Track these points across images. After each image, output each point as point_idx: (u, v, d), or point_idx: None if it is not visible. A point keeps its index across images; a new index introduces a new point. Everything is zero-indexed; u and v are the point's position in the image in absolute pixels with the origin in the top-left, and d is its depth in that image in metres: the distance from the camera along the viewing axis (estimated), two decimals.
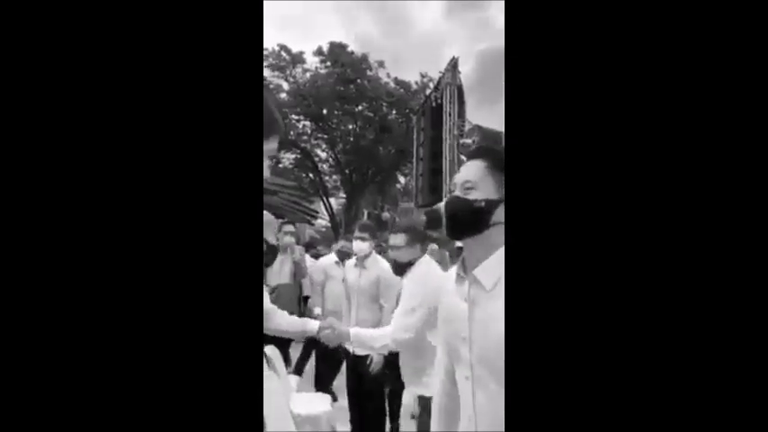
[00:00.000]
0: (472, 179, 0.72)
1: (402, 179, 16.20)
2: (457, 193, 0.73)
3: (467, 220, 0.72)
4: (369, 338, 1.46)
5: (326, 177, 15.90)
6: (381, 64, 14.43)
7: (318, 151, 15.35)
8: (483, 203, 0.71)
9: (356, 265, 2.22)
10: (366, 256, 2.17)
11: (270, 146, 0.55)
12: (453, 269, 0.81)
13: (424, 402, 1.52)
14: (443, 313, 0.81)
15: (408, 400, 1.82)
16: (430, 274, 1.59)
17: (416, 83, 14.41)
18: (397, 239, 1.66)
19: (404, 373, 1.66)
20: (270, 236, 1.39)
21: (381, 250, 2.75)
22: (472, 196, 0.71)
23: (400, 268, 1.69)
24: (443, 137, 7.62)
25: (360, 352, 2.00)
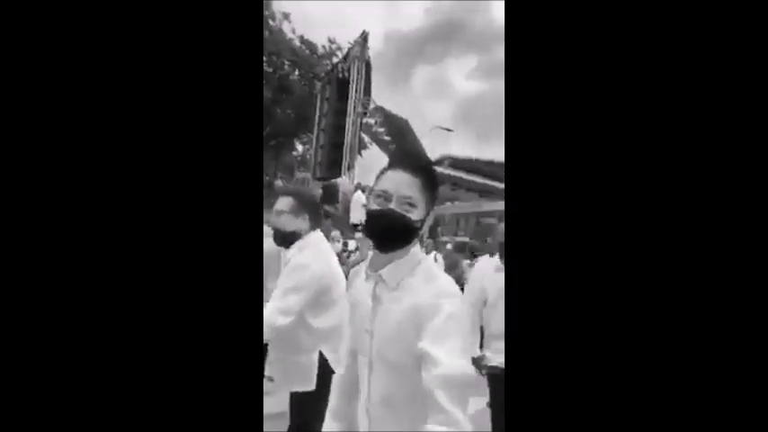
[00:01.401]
0: (413, 197, 0.71)
1: (300, 147, 15.48)
2: (393, 207, 0.71)
3: (401, 237, 0.72)
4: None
5: None
6: (287, 17, 13.14)
7: None
8: (419, 223, 0.73)
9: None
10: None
11: None
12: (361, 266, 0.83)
13: (300, 397, 1.36)
14: (353, 302, 0.83)
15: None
16: (321, 252, 1.41)
17: (324, 47, 13.68)
18: (282, 203, 1.42)
19: (275, 370, 1.40)
20: None
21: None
22: (414, 216, 0.71)
23: (283, 238, 1.44)
24: (348, 111, 7.54)
25: None
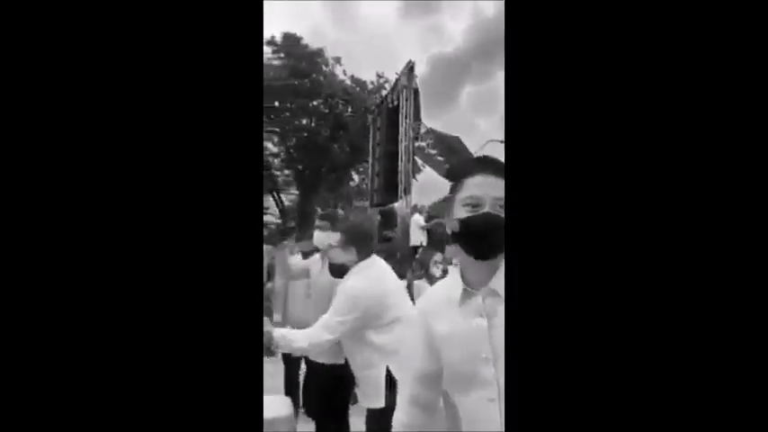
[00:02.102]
0: (501, 197, 0.68)
1: (356, 177, 16.18)
2: (488, 210, 0.69)
3: (500, 239, 0.67)
4: (290, 338, 1.38)
5: (277, 173, 15.32)
6: (338, 60, 14.26)
7: (270, 145, 14.74)
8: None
9: (321, 257, 2.14)
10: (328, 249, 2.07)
11: None
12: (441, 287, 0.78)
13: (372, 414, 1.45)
14: (452, 338, 0.73)
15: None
16: (371, 276, 1.50)
17: (372, 82, 14.48)
18: (332, 238, 1.62)
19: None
20: None
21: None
22: (503, 215, 0.68)
23: (335, 270, 1.62)
24: (399, 138, 7.77)
25: (315, 358, 1.91)
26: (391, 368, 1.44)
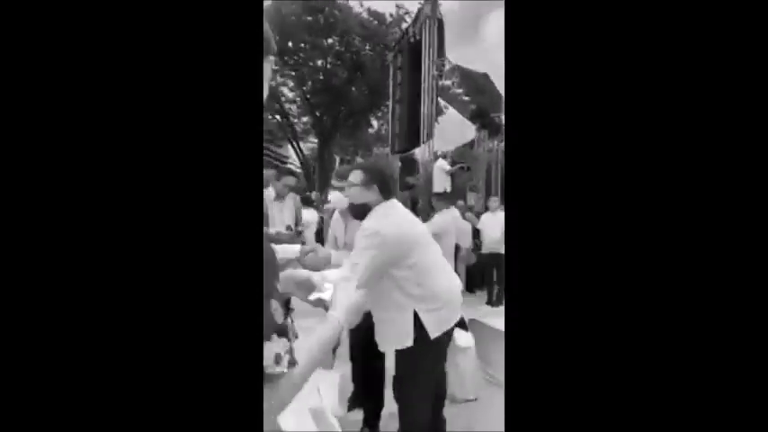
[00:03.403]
0: None
1: (375, 123, 15.58)
2: None
3: None
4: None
5: (295, 120, 14.96)
6: None
7: (285, 90, 14.20)
8: None
9: (341, 216, 2.04)
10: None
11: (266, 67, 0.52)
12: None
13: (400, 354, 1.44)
14: None
15: None
16: (392, 217, 1.43)
17: (391, 15, 13.24)
18: (353, 176, 1.49)
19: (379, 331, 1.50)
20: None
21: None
22: None
23: (355, 211, 1.51)
24: (422, 77, 7.20)
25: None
26: (420, 314, 1.44)
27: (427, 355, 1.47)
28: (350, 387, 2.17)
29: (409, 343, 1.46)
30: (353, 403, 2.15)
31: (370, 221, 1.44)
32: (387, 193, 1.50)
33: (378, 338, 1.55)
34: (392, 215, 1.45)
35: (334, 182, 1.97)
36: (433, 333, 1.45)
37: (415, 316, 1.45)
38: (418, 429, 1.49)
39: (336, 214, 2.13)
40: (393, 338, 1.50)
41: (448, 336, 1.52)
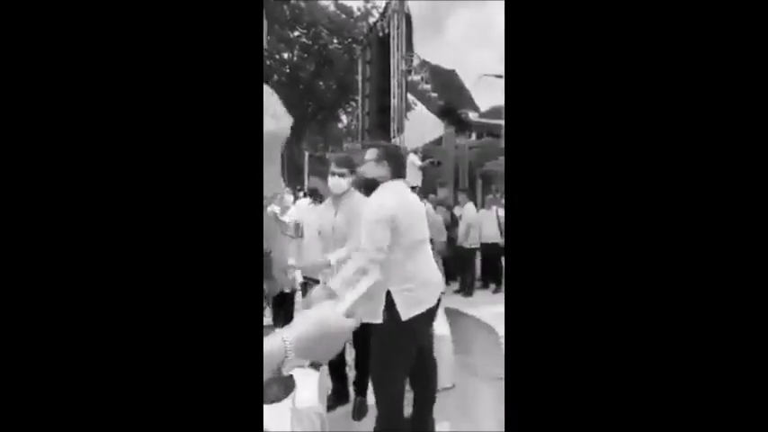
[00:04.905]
0: None
1: (344, 118, 15.40)
2: None
3: None
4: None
5: None
6: None
7: None
8: None
9: (333, 203, 2.01)
10: (344, 194, 1.96)
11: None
12: None
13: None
14: None
15: None
16: (396, 193, 1.52)
17: (359, 8, 13.10)
18: (368, 154, 1.61)
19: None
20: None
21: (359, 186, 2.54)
22: None
23: (365, 186, 1.63)
24: (391, 72, 7.19)
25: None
26: (393, 293, 1.46)
27: (397, 336, 1.48)
28: (328, 385, 2.13)
29: (377, 320, 1.47)
30: (334, 402, 2.11)
31: (379, 196, 1.53)
32: (397, 172, 1.60)
33: None
34: (399, 192, 1.54)
35: (333, 168, 2.00)
36: (405, 314, 1.45)
37: (388, 295, 1.46)
38: (389, 411, 1.50)
39: (327, 201, 2.09)
40: (364, 313, 1.52)
41: (424, 320, 1.52)
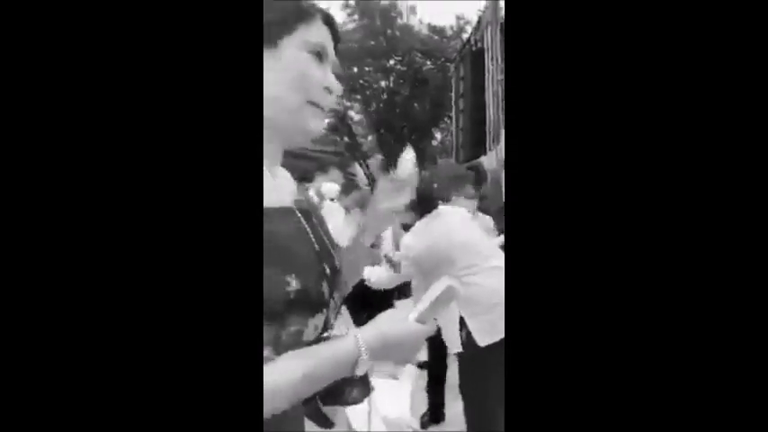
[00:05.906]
0: None
1: (438, 135, 15.48)
2: None
3: None
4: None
5: (362, 140, 15.62)
6: (413, 10, 13.36)
7: (353, 113, 14.96)
8: None
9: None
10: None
11: (306, 35, 0.52)
12: None
13: None
14: None
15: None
16: (428, 239, 1.57)
17: (452, 27, 13.25)
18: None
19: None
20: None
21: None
22: None
23: (422, 204, 1.68)
24: (486, 84, 6.97)
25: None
26: (466, 318, 1.40)
27: (479, 365, 1.36)
28: (424, 401, 2.08)
29: (457, 349, 1.38)
30: (429, 420, 2.05)
31: (406, 239, 1.63)
32: (424, 210, 1.65)
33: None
34: (434, 229, 1.60)
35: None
36: (483, 340, 1.32)
37: (462, 321, 1.37)
38: None
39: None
40: (449, 343, 1.46)
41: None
